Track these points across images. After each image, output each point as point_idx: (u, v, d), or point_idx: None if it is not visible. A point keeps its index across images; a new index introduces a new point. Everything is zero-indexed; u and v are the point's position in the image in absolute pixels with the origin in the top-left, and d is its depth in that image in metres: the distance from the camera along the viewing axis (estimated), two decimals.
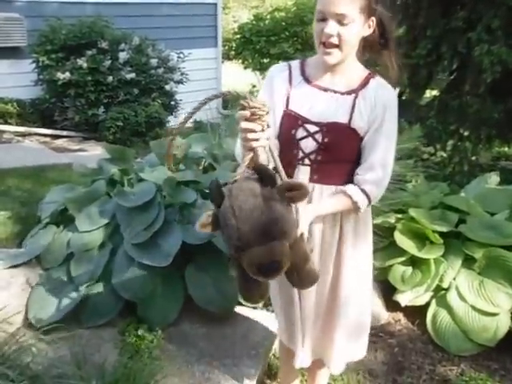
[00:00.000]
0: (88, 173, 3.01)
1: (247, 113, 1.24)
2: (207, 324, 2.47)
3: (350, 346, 1.78)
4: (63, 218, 2.73)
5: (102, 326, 2.37)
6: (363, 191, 1.53)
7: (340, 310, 1.69)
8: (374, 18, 1.47)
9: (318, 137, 1.51)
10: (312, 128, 1.52)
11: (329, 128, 1.50)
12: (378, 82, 1.52)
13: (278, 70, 1.61)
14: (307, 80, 1.56)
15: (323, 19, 1.43)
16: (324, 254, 1.63)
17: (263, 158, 1.29)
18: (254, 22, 10.75)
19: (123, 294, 2.36)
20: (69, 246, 2.52)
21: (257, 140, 1.27)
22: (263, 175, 1.22)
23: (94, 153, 5.24)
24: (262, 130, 1.26)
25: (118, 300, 2.39)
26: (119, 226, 2.51)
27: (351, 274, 1.65)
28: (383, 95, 1.50)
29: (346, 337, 1.74)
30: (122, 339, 2.32)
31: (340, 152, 1.53)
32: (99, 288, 2.41)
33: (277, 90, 1.56)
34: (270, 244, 1.16)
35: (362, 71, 1.55)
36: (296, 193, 1.21)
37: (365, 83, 1.52)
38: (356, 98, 1.50)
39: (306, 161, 1.55)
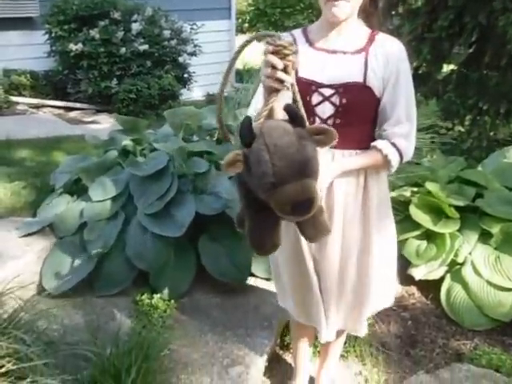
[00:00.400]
0: (100, 144, 2.99)
1: (271, 48, 1.19)
2: (220, 294, 2.48)
3: (378, 301, 1.75)
4: (77, 188, 2.74)
5: (115, 295, 2.39)
6: (393, 145, 1.51)
7: (371, 278, 1.64)
8: None
9: (335, 99, 1.48)
10: (327, 91, 1.49)
11: (345, 89, 1.48)
12: (383, 36, 1.52)
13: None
14: (313, 45, 1.53)
15: None
16: (349, 217, 1.59)
17: (279, 112, 1.25)
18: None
19: (137, 264, 2.37)
20: (82, 216, 2.53)
21: (280, 81, 1.21)
22: (294, 115, 1.16)
23: (106, 125, 5.23)
24: (286, 72, 1.20)
25: (132, 269, 2.40)
26: (132, 197, 2.51)
27: (379, 239, 1.62)
28: (393, 47, 1.50)
29: (375, 301, 1.71)
30: (135, 308, 2.33)
31: (358, 113, 1.50)
32: (113, 257, 2.42)
33: None
34: (304, 181, 1.11)
35: (365, 30, 1.53)
36: (323, 137, 1.17)
37: (371, 40, 1.50)
38: (367, 55, 1.48)
39: None
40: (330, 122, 1.50)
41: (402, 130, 1.52)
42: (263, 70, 1.22)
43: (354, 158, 1.53)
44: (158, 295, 2.38)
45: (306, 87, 1.49)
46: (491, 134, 4.81)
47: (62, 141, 4.42)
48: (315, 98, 1.50)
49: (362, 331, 1.79)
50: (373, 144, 1.53)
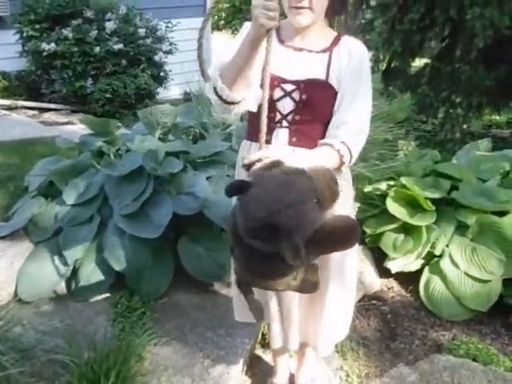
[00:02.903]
0: (72, 147, 2.93)
1: None
2: (200, 294, 2.47)
3: (336, 327, 1.77)
4: (51, 191, 2.68)
5: (93, 299, 2.36)
6: (343, 143, 1.45)
7: (327, 293, 1.65)
8: None
9: (296, 95, 1.48)
10: (289, 87, 1.49)
11: (306, 85, 1.48)
12: (348, 39, 1.54)
13: None
14: (281, 41, 1.54)
15: None
16: None
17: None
18: None
19: (115, 267, 2.34)
20: (57, 220, 2.48)
21: (273, 19, 1.27)
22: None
23: (82, 126, 5.12)
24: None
25: (109, 272, 2.37)
26: (108, 199, 2.48)
27: (336, 255, 1.61)
28: (356, 48, 1.52)
29: (332, 320, 1.72)
30: (114, 311, 2.31)
31: (317, 110, 1.50)
32: (89, 261, 2.39)
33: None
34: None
35: (331, 32, 1.55)
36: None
37: (337, 41, 1.52)
38: (331, 54, 1.50)
39: (284, 123, 1.51)
40: (289, 117, 1.50)
41: (354, 127, 1.47)
42: (259, 11, 1.27)
43: (312, 155, 1.45)
44: (137, 297, 2.36)
45: (270, 82, 1.46)
46: (464, 126, 4.89)
47: (36, 143, 4.34)
48: (277, 93, 1.49)
49: (323, 351, 1.80)
50: (322, 141, 1.47)
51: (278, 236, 1.08)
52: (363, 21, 5.67)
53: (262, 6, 1.26)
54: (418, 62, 5.75)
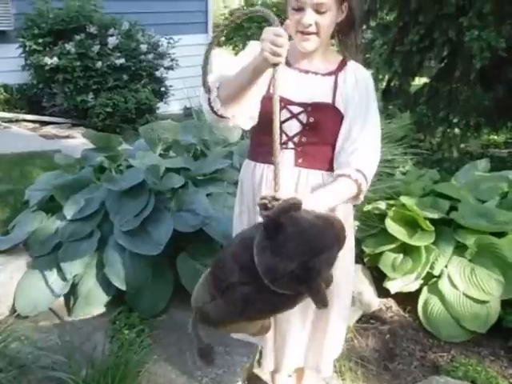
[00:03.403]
0: (72, 163, 2.94)
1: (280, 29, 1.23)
2: None
3: (336, 345, 1.77)
4: (52, 205, 2.69)
5: (92, 315, 2.35)
6: (359, 171, 1.47)
7: (330, 313, 1.66)
8: (346, 4, 1.47)
9: (303, 117, 1.50)
10: (296, 109, 1.50)
11: (313, 108, 1.49)
12: (354, 64, 1.56)
13: None
14: (288, 63, 1.53)
15: (299, 9, 1.42)
16: None
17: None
18: (244, 8, 10.63)
19: (115, 283, 2.34)
20: (57, 235, 2.49)
21: (279, 56, 1.22)
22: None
23: (82, 140, 5.14)
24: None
25: (109, 289, 2.37)
26: (108, 215, 2.48)
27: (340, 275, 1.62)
28: (362, 75, 1.54)
29: (334, 338, 1.73)
30: (112, 328, 2.30)
31: (324, 133, 1.51)
32: (89, 277, 2.39)
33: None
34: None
35: (336, 55, 1.57)
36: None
37: (342, 65, 1.54)
38: (337, 78, 1.52)
39: (290, 144, 1.52)
40: (295, 139, 1.51)
41: (367, 155, 1.49)
42: (267, 45, 1.23)
43: (330, 191, 1.46)
44: (136, 314, 2.35)
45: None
46: (461, 146, 4.93)
47: (37, 156, 4.35)
48: (283, 115, 1.49)
49: (326, 371, 1.79)
50: (339, 172, 1.48)
51: (310, 278, 1.10)
52: (363, 40, 5.74)
53: (270, 41, 1.22)
54: (418, 81, 5.81)
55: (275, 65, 1.24)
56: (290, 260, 1.09)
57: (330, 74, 1.52)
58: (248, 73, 1.35)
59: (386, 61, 4.94)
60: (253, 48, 1.46)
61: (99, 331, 2.26)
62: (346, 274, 1.69)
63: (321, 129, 1.50)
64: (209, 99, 1.46)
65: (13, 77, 6.17)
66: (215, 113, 1.46)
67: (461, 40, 4.15)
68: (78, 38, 5.82)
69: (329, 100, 1.50)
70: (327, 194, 1.45)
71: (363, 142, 1.49)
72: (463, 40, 4.10)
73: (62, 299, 2.35)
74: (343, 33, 1.55)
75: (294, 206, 1.16)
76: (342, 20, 1.49)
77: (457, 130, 4.73)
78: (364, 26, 5.40)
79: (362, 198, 1.53)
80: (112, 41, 5.96)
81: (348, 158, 1.49)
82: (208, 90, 1.44)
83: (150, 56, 6.35)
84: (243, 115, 1.48)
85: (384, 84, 5.23)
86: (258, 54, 1.28)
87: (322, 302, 1.11)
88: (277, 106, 1.25)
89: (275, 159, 1.26)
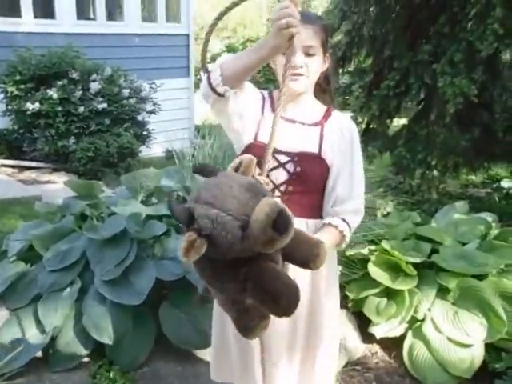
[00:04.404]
0: (53, 210, 2.91)
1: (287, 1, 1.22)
2: (181, 363, 2.41)
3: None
4: (31, 255, 2.64)
5: (71, 369, 2.28)
6: (344, 221, 1.53)
7: (321, 337, 1.65)
8: (328, 55, 1.56)
9: (289, 167, 1.52)
10: (283, 158, 1.52)
11: (300, 157, 1.52)
12: (338, 113, 1.61)
13: (256, 94, 1.60)
14: (274, 111, 1.56)
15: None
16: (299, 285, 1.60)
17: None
18: (226, 53, 10.91)
19: (94, 335, 2.28)
20: (36, 286, 2.43)
21: (296, 27, 1.23)
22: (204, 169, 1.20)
23: (63, 185, 5.13)
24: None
25: (88, 341, 2.31)
26: (89, 264, 2.45)
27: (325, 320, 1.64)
28: (347, 124, 1.59)
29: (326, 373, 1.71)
30: (92, 382, 2.23)
31: (310, 182, 1.54)
32: (68, 329, 2.33)
33: (250, 113, 1.55)
34: (262, 200, 1.05)
35: (320, 106, 1.62)
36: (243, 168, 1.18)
37: (328, 115, 1.59)
38: (323, 128, 1.56)
39: (276, 192, 1.54)
40: (282, 188, 1.53)
41: (353, 206, 1.55)
42: (277, 20, 1.24)
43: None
44: (117, 367, 2.29)
45: (263, 151, 1.52)
46: (440, 187, 5.02)
47: (17, 203, 4.31)
48: (271, 163, 1.50)
49: None
50: (326, 221, 1.54)
51: (188, 223, 1.04)
52: (342, 84, 5.90)
53: (280, 16, 1.23)
54: (397, 123, 5.95)
55: (291, 37, 1.25)
56: (198, 202, 1.07)
57: (316, 124, 1.56)
58: (260, 51, 1.34)
59: (363, 104, 5.07)
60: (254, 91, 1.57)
61: None
62: (331, 320, 1.68)
63: (307, 178, 1.53)
64: (209, 78, 1.44)
65: None
66: (214, 90, 1.44)
67: (436, 85, 4.29)
68: (60, 83, 5.86)
69: (315, 150, 1.53)
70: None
71: (349, 193, 1.53)
72: (437, 85, 4.24)
73: (40, 353, 2.27)
74: (324, 82, 1.63)
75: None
76: (322, 71, 1.57)
77: (435, 172, 4.82)
78: (341, 70, 5.57)
79: (343, 245, 1.56)
80: (94, 86, 6.02)
81: (335, 207, 1.53)
82: (206, 70, 1.45)
83: (132, 100, 6.42)
84: (240, 102, 1.49)
85: (363, 126, 5.35)
86: (270, 35, 1.29)
87: (186, 254, 1.02)
88: (277, 119, 1.30)
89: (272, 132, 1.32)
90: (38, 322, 2.32)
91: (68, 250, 2.51)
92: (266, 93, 1.63)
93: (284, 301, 1.10)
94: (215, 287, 1.19)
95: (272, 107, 1.58)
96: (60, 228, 2.67)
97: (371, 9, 4.73)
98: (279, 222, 1.02)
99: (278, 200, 1.44)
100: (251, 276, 1.10)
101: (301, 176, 1.52)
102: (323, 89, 1.64)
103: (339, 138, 1.55)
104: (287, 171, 1.52)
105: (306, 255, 1.18)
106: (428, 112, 4.85)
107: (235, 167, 1.20)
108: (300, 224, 1.54)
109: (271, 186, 1.29)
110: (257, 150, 1.51)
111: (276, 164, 1.52)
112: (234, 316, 1.23)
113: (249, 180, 1.14)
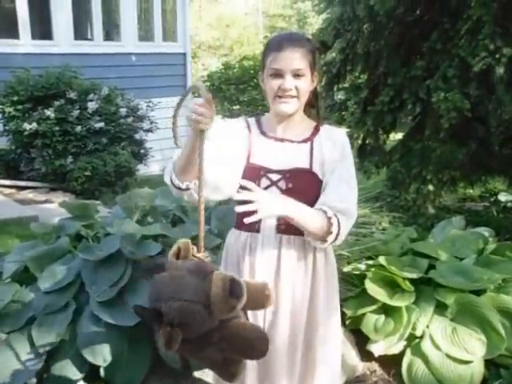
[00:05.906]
0: (49, 231, 2.90)
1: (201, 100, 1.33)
2: (178, 383, 2.37)
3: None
4: (26, 277, 2.62)
5: None
6: (336, 216, 1.50)
7: (318, 351, 1.64)
8: (316, 74, 1.59)
9: (282, 184, 1.54)
10: (275, 176, 1.55)
11: (291, 174, 1.55)
12: (327, 127, 1.64)
13: (239, 126, 1.65)
14: (263, 133, 1.62)
15: (278, 75, 1.52)
16: (295, 308, 1.60)
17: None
18: (222, 71, 11.00)
19: (89, 358, 2.26)
20: (30, 308, 2.41)
21: (206, 124, 1.34)
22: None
23: None
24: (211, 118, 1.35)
25: (83, 364, 2.28)
26: (84, 285, 2.43)
27: (325, 315, 1.63)
28: (338, 135, 1.62)
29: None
30: None
31: (302, 197, 1.53)
32: (63, 352, 2.30)
33: (237, 145, 1.59)
34: (214, 275, 1.23)
35: (310, 121, 1.65)
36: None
37: (316, 131, 1.62)
38: (312, 144, 1.58)
39: None
40: None
41: (345, 208, 1.52)
42: (191, 116, 1.34)
43: (308, 209, 1.48)
44: None
45: (256, 172, 1.56)
46: (436, 201, 5.01)
47: (13, 223, 4.30)
48: (263, 183, 1.56)
49: None
50: (317, 207, 1.51)
51: (158, 321, 1.19)
52: (338, 100, 5.94)
53: (192, 111, 1.34)
54: (393, 138, 5.97)
55: (201, 132, 1.35)
56: (149, 299, 1.25)
57: (305, 140, 1.59)
58: (187, 144, 1.44)
59: (358, 119, 5.10)
60: (227, 128, 1.61)
61: None
62: (333, 338, 1.68)
63: (300, 193, 1.53)
64: (170, 180, 1.54)
65: None
66: (173, 185, 1.54)
67: (430, 100, 4.32)
68: (57, 103, 5.91)
69: (306, 165, 1.56)
70: (306, 209, 1.48)
71: (340, 196, 1.52)
72: (431, 100, 4.26)
73: (35, 378, 2.24)
74: (313, 99, 1.66)
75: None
76: (311, 89, 1.60)
77: (430, 187, 4.82)
78: (336, 87, 5.61)
79: (327, 243, 1.52)
80: (91, 105, 6.07)
81: (325, 206, 1.52)
82: (177, 145, 1.54)
83: (130, 119, 6.47)
84: (207, 187, 1.49)
85: (359, 142, 5.37)
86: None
87: (167, 346, 1.18)
88: (202, 167, 1.36)
89: (199, 217, 1.38)
90: (33, 345, 2.29)
91: (63, 271, 2.50)
92: (251, 119, 1.68)
93: (257, 344, 1.28)
94: (196, 357, 1.36)
95: (260, 130, 1.63)
96: (55, 249, 2.66)
97: (364, 26, 4.77)
98: (234, 289, 1.20)
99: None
100: (223, 336, 1.26)
101: (293, 191, 1.53)
102: (312, 104, 1.67)
103: (330, 151, 1.56)
104: (279, 189, 1.55)
105: (260, 300, 1.33)
106: (423, 127, 4.87)
107: (176, 253, 1.33)
108: (297, 241, 1.58)
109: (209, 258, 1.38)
110: (250, 170, 1.58)
111: (269, 183, 1.56)
112: (215, 371, 1.40)
113: (194, 264, 1.29)
